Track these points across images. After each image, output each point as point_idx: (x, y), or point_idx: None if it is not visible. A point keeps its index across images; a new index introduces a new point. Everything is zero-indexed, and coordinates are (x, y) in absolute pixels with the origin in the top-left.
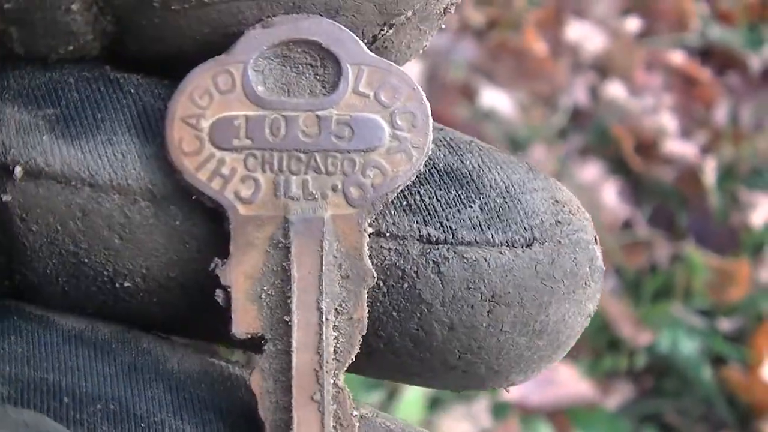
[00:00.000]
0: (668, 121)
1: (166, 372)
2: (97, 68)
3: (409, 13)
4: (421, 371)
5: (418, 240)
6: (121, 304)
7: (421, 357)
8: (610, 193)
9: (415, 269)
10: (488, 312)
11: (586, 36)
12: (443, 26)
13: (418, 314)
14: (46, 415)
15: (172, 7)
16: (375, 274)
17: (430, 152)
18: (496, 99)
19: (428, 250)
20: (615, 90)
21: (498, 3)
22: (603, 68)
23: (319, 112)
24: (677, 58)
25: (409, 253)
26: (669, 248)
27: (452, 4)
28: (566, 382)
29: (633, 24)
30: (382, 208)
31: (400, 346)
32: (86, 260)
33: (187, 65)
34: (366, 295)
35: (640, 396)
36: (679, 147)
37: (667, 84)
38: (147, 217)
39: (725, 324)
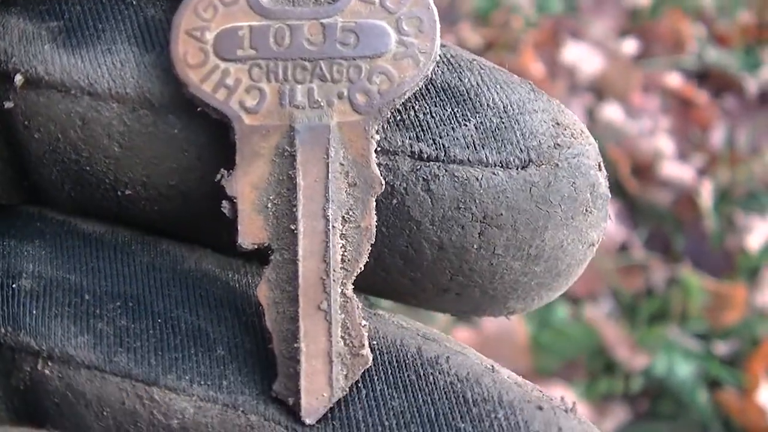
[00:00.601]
0: (665, 143)
1: (183, 271)
2: None
3: None
4: (414, 291)
5: (409, 156)
6: (126, 212)
7: (412, 276)
8: None
9: (405, 186)
10: (479, 233)
11: (583, 58)
12: None
13: (407, 231)
14: (67, 310)
15: None
16: (383, 182)
17: (437, 58)
18: None
19: (419, 167)
20: (612, 112)
21: (495, 24)
22: (600, 90)
23: (323, 20)
24: (674, 80)
25: (399, 168)
26: (665, 271)
27: None
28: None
29: (630, 46)
30: (389, 114)
31: (390, 263)
32: (87, 168)
33: None
34: (374, 203)
35: (635, 419)
36: (675, 170)
37: (663, 106)
38: (146, 125)
39: (721, 347)
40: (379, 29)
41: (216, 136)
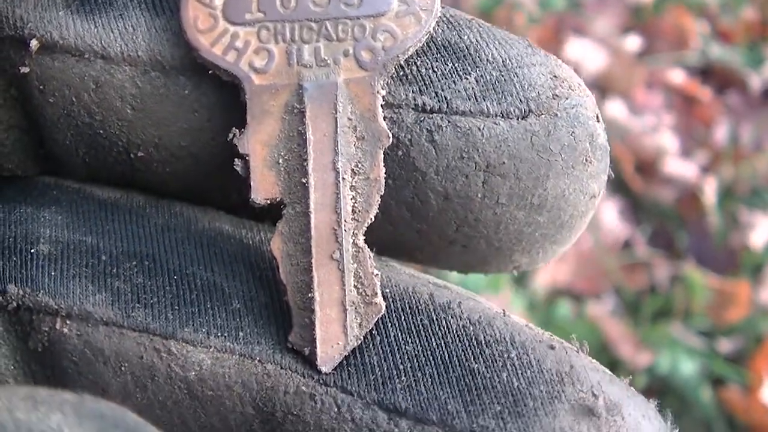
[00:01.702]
0: (668, 140)
1: (197, 231)
2: None
3: None
4: (421, 245)
5: (413, 109)
6: (138, 175)
7: (419, 228)
8: (610, 213)
9: (409, 137)
10: (483, 182)
11: (586, 54)
12: None
13: (412, 182)
14: (84, 270)
15: None
16: (390, 135)
17: (438, 15)
18: None
19: (422, 119)
20: (615, 109)
21: (498, 21)
22: (603, 87)
23: None
24: (677, 77)
25: (403, 121)
26: (669, 269)
27: None
28: None
29: (633, 42)
30: (393, 70)
31: (396, 215)
32: (101, 131)
33: None
34: (382, 156)
35: None
36: (679, 167)
37: (667, 103)
38: (157, 87)
39: (725, 345)
40: None
41: (226, 97)
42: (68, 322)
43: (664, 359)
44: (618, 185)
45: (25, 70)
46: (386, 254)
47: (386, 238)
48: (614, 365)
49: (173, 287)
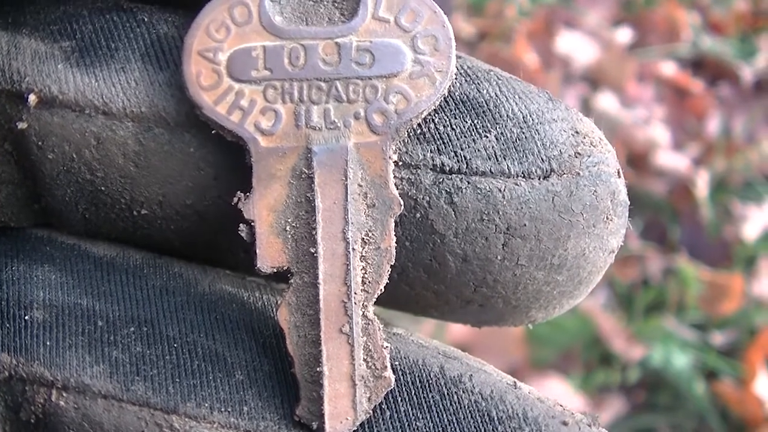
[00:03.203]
0: (660, 133)
1: (197, 294)
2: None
3: None
4: (437, 304)
5: (431, 169)
6: (141, 231)
7: (436, 289)
8: None
9: (428, 199)
10: (503, 244)
11: (577, 47)
12: None
13: (430, 245)
14: (81, 339)
15: None
16: (401, 202)
17: (453, 76)
18: None
19: (441, 180)
20: (606, 101)
21: (489, 14)
22: (594, 80)
23: (338, 40)
24: (669, 69)
25: (421, 182)
26: (661, 262)
27: None
28: (558, 396)
29: (624, 35)
30: (406, 134)
31: (414, 276)
32: (103, 188)
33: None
34: (393, 224)
35: (632, 410)
36: (671, 159)
37: (658, 95)
38: (161, 144)
39: (718, 338)
40: (394, 48)
41: (233, 155)
42: (65, 394)
43: (657, 352)
44: None
45: (22, 125)
46: (398, 309)
47: (401, 297)
48: (607, 359)
49: (173, 357)
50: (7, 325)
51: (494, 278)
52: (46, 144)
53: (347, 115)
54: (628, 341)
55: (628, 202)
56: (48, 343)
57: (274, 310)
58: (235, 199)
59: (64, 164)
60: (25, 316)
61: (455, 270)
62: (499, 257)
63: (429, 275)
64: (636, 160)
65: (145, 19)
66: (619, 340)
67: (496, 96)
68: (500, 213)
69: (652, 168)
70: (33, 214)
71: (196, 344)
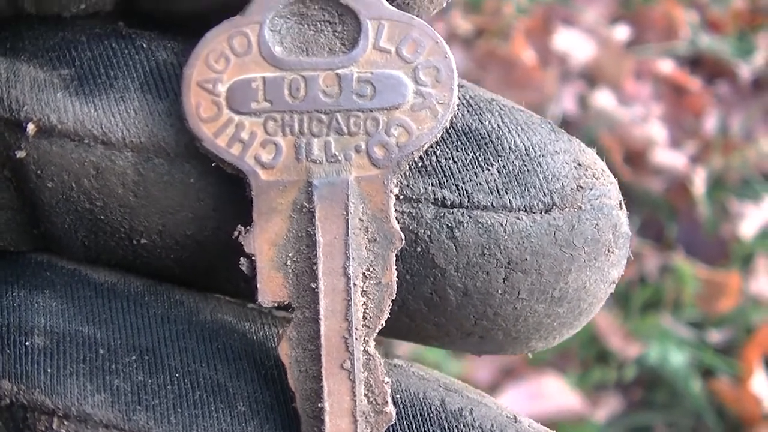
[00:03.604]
0: (657, 130)
1: (198, 323)
2: (110, 24)
3: None
4: (437, 335)
5: (432, 203)
6: (141, 260)
7: (436, 321)
8: None
9: (429, 233)
10: (504, 279)
11: (574, 44)
12: None
13: (431, 279)
14: (82, 366)
15: None
16: (403, 237)
17: (455, 109)
18: None
19: (442, 214)
20: (604, 99)
21: (486, 11)
22: (592, 77)
23: (339, 71)
24: (667, 67)
25: (422, 216)
26: (658, 259)
27: None
28: (555, 394)
29: (622, 32)
30: (407, 167)
31: (414, 309)
32: (102, 217)
33: (202, 24)
34: (394, 259)
35: (629, 408)
36: (668, 157)
37: (656, 93)
38: (161, 175)
39: (715, 336)
40: (395, 80)
41: (233, 186)
42: (66, 422)
43: (654, 350)
44: None
45: (21, 154)
46: (398, 339)
47: (401, 328)
48: (604, 357)
49: (175, 386)
50: (8, 351)
51: (495, 311)
52: (45, 173)
53: (348, 148)
54: (625, 339)
55: (629, 233)
56: (49, 371)
57: (275, 341)
58: (236, 233)
59: (63, 193)
60: (26, 342)
61: (456, 303)
62: (500, 291)
63: (429, 308)
64: (633, 158)
65: (144, 46)
66: (615, 338)
67: (499, 127)
68: (502, 247)
69: (650, 165)
70: (32, 239)
71: (198, 374)
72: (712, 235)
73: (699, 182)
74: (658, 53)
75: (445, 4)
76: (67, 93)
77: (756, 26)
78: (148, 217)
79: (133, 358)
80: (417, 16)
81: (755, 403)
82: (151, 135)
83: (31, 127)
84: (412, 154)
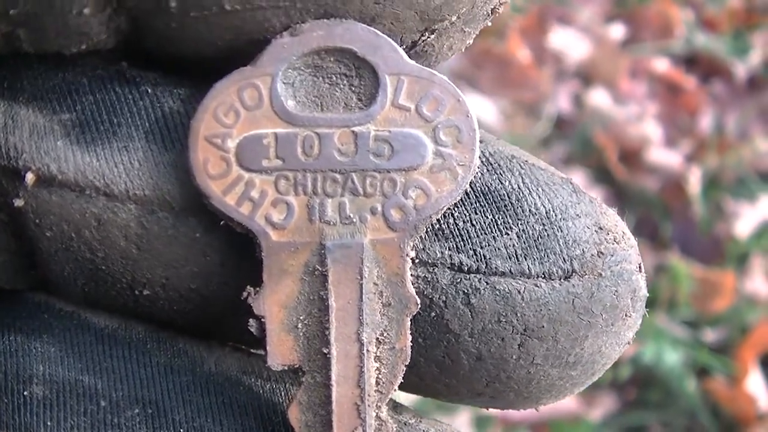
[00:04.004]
0: (653, 129)
1: (203, 374)
2: (113, 65)
3: (454, 18)
4: (447, 393)
5: (448, 268)
6: (143, 309)
7: (447, 382)
8: None
9: (444, 299)
10: (519, 345)
11: (570, 43)
12: (489, 23)
13: (444, 343)
14: (83, 419)
15: (191, 14)
16: (418, 301)
17: (476, 170)
18: (479, 106)
19: (459, 280)
20: (599, 98)
21: None
22: (587, 76)
23: (355, 128)
24: (662, 65)
25: (438, 281)
26: (653, 258)
27: (501, 3)
28: None
29: (617, 31)
30: (424, 231)
31: (425, 371)
32: (103, 267)
33: (209, 69)
34: (409, 324)
35: (623, 408)
36: (663, 156)
37: (651, 92)
38: (165, 228)
39: (709, 335)
40: (414, 139)
41: (240, 241)
42: None
43: (649, 349)
44: (602, 174)
45: (19, 203)
46: (405, 392)
47: (410, 385)
48: None
49: None
50: (5, 400)
51: (508, 375)
52: (44, 222)
53: (363, 209)
54: None
55: (647, 295)
56: (49, 423)
57: (282, 395)
58: (245, 294)
59: (63, 242)
60: (24, 391)
61: (468, 367)
62: (514, 357)
63: (441, 370)
64: (628, 157)
65: (149, 91)
66: None
67: (519, 188)
68: (518, 314)
69: (645, 164)
70: (30, 279)
71: (203, 429)
72: (707, 235)
73: (694, 181)
74: (653, 52)
75: (464, 50)
76: (68, 141)
77: (751, 25)
78: (151, 269)
79: (136, 411)
80: (435, 62)
81: (750, 403)
82: (156, 188)
83: (30, 177)
84: (430, 217)
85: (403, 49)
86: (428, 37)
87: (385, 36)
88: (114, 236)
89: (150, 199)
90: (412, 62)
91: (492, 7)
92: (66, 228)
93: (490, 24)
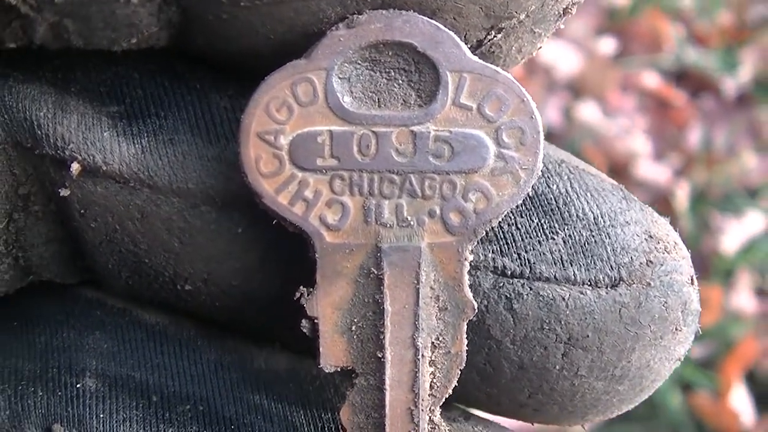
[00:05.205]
0: (641, 143)
1: (253, 371)
2: (164, 61)
3: (522, 16)
4: (488, 403)
5: (491, 271)
6: (184, 304)
7: (488, 392)
8: None
9: (486, 303)
10: (563, 354)
11: (560, 56)
12: (562, 26)
13: (485, 350)
14: (135, 413)
15: (242, 3)
16: (476, 306)
17: (539, 174)
18: None
19: (501, 284)
20: (588, 111)
21: None
22: (577, 89)
23: (414, 128)
24: (652, 80)
25: (480, 285)
26: None
27: (574, 3)
28: None
29: (608, 45)
30: (484, 234)
31: (466, 378)
32: (146, 260)
33: (261, 65)
34: (465, 328)
35: (608, 421)
36: (651, 170)
37: (641, 106)
38: (208, 223)
39: (695, 350)
40: (476, 140)
41: (284, 237)
42: None
43: None
44: None
45: (65, 192)
46: (449, 401)
47: (453, 394)
48: None
49: None
50: (59, 393)
51: (551, 387)
52: (89, 213)
53: (421, 212)
54: None
55: (699, 309)
56: (101, 415)
57: (331, 392)
58: (297, 294)
59: (107, 234)
60: (77, 384)
61: (510, 376)
62: (557, 367)
63: (482, 378)
64: (617, 170)
65: (197, 87)
66: None
67: (567, 192)
68: (562, 322)
69: (633, 179)
70: (78, 271)
71: (254, 426)
72: (694, 249)
73: (682, 196)
74: (643, 66)
75: (534, 54)
76: (114, 132)
77: (742, 41)
78: (193, 264)
79: (188, 407)
80: (504, 64)
81: (733, 418)
82: (199, 181)
83: (75, 167)
84: (490, 221)
85: (468, 47)
86: (495, 36)
87: (447, 30)
88: (157, 229)
89: (193, 192)
90: (475, 58)
91: (564, 6)
92: (110, 220)
93: (563, 26)
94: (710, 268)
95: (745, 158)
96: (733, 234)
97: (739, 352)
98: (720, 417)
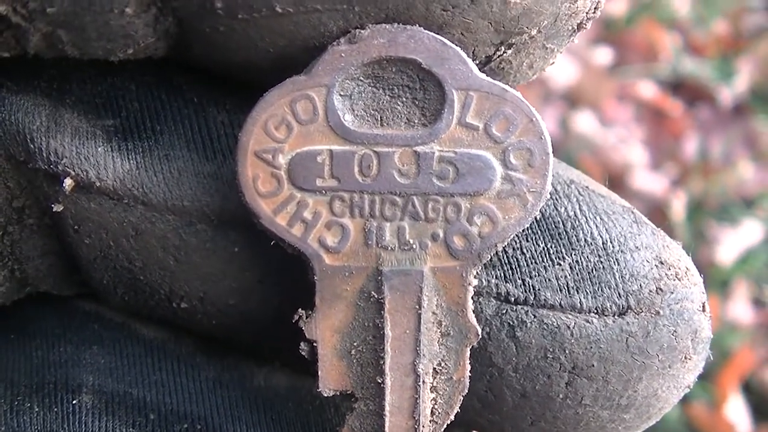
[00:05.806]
0: (638, 153)
1: (252, 389)
2: (162, 72)
3: (534, 32)
4: (491, 430)
5: (494, 297)
6: (181, 322)
7: (490, 418)
8: None
9: (488, 330)
10: (567, 383)
11: (556, 66)
12: (575, 41)
13: (487, 377)
14: (132, 429)
15: (239, 16)
16: (479, 332)
17: (547, 197)
18: None
19: (505, 311)
20: (584, 121)
21: None
22: (573, 99)
23: (417, 148)
24: (648, 90)
25: (482, 311)
26: None
27: (589, 18)
28: None
29: (604, 55)
30: (488, 259)
31: (467, 404)
32: (141, 278)
33: (261, 77)
34: (468, 354)
35: None
36: (648, 180)
37: (637, 116)
38: (204, 241)
39: None
40: (482, 161)
41: (281, 257)
42: None
43: None
44: None
45: (58, 208)
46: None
47: (454, 418)
48: None
49: None
50: (55, 409)
51: (554, 415)
52: (83, 229)
53: (424, 235)
54: None
55: (710, 336)
56: None
57: (331, 412)
58: (296, 317)
59: (101, 250)
60: (73, 400)
61: (512, 404)
62: (561, 396)
63: (483, 405)
64: (613, 181)
65: (195, 100)
66: None
67: (575, 216)
68: (566, 351)
69: (629, 189)
70: (76, 284)
71: None
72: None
73: (678, 206)
74: (639, 76)
75: (546, 70)
76: (109, 147)
77: (738, 50)
78: (188, 282)
79: (185, 426)
80: (514, 81)
81: (729, 429)
82: (195, 199)
83: (68, 182)
84: (496, 246)
85: (476, 64)
86: (505, 52)
87: (454, 45)
88: (151, 246)
89: (188, 210)
90: (483, 76)
91: (578, 21)
92: (104, 236)
93: (576, 41)
94: (707, 278)
95: (741, 168)
96: (730, 244)
97: (735, 362)
98: (716, 428)
